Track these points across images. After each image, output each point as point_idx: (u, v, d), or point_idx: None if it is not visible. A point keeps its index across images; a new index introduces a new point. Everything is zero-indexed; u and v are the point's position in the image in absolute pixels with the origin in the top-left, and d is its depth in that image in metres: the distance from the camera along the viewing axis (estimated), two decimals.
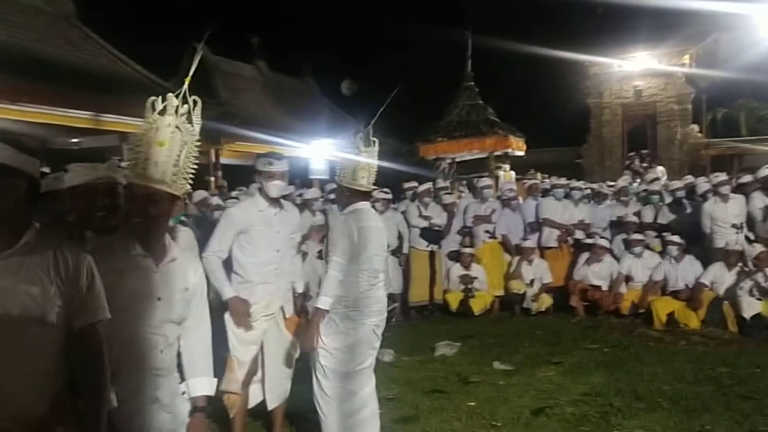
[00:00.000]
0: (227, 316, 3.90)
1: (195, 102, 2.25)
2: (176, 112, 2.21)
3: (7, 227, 1.87)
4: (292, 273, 4.14)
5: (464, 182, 13.24)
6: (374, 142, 3.64)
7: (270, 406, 4.05)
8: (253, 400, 4.07)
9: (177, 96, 2.21)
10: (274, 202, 3.92)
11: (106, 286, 2.10)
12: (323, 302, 3.57)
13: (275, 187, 3.85)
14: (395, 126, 21.96)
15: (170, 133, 2.19)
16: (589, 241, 8.40)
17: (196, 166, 2.31)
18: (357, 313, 3.56)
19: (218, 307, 3.97)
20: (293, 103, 19.81)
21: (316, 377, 3.64)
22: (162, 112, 2.19)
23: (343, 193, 3.71)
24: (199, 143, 2.31)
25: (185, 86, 2.22)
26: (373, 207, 8.21)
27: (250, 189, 8.46)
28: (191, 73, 2.29)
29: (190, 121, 2.26)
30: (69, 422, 1.94)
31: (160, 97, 2.21)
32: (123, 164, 2.29)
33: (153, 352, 2.27)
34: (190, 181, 2.31)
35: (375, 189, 3.71)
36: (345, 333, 3.55)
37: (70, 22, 12.93)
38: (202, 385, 2.45)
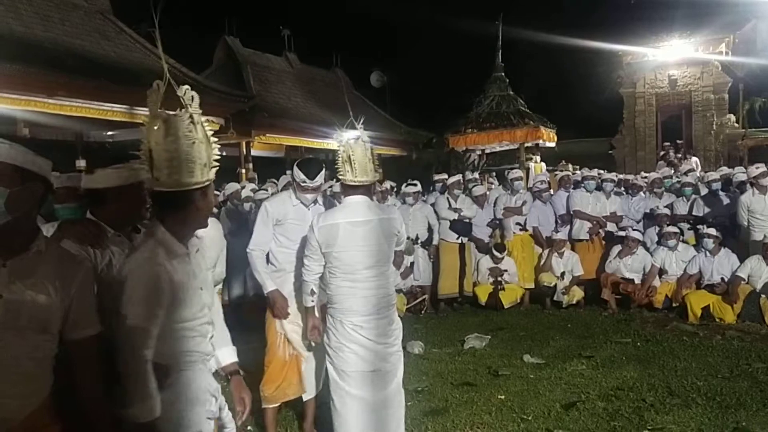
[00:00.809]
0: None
1: (192, 97, 2.15)
2: (192, 102, 2.13)
3: (20, 231, 1.88)
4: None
5: (494, 174, 13.19)
6: (359, 136, 3.53)
7: (304, 397, 4.11)
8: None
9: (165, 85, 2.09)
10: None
11: (161, 291, 2.12)
12: (305, 300, 3.71)
13: (306, 200, 3.97)
14: (425, 117, 22.01)
15: (200, 127, 2.13)
16: (621, 233, 8.29)
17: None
18: (335, 311, 3.53)
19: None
20: (323, 94, 19.89)
21: None
22: (180, 108, 2.10)
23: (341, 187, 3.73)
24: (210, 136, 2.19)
25: (166, 75, 2.09)
26: (403, 200, 8.38)
27: (281, 180, 8.54)
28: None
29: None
30: (55, 429, 1.97)
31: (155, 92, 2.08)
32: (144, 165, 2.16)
33: (205, 341, 2.32)
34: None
35: (366, 182, 3.54)
36: (330, 331, 3.55)
37: (105, 16, 13.16)
38: (230, 353, 2.61)
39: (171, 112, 2.08)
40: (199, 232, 2.48)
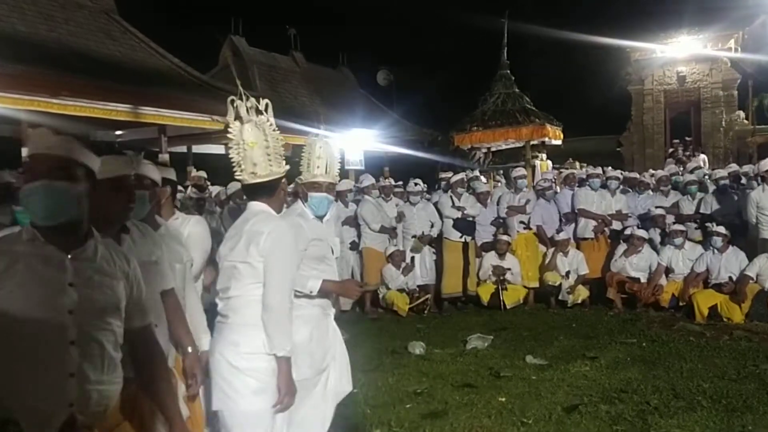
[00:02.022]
0: None
1: (267, 104, 2.75)
2: (248, 112, 2.67)
3: (83, 225, 1.94)
4: None
5: (501, 172, 13.08)
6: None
7: None
8: None
9: (241, 99, 2.69)
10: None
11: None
12: None
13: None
14: (431, 116, 21.92)
15: (254, 135, 2.65)
16: (627, 231, 8.19)
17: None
18: None
19: None
20: (329, 93, 19.82)
21: None
22: (239, 119, 2.65)
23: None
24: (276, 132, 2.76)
25: (240, 90, 2.72)
26: (408, 200, 8.37)
27: None
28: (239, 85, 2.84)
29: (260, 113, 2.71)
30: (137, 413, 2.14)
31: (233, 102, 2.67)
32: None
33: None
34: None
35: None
36: None
37: (110, 16, 13.12)
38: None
39: (255, 117, 2.67)
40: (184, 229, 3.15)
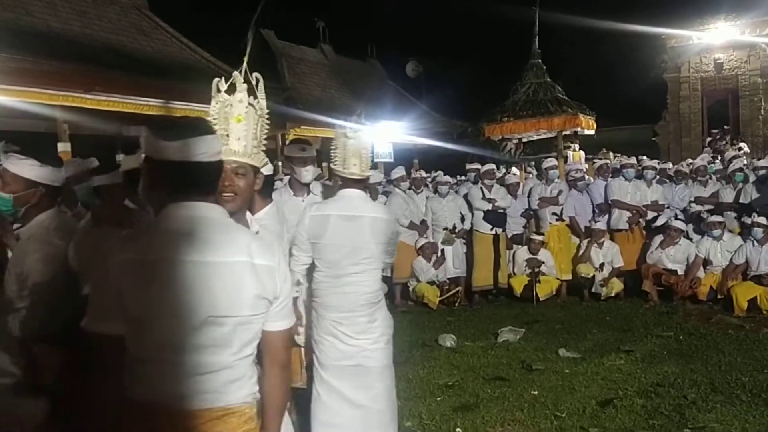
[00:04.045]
0: None
1: (257, 79, 2.29)
2: (246, 89, 2.26)
3: None
4: None
5: (533, 163, 12.93)
6: (362, 128, 3.45)
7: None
8: None
9: (240, 74, 2.27)
10: (302, 189, 4.01)
11: None
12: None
13: (307, 173, 3.94)
14: (461, 107, 21.76)
15: (244, 109, 2.24)
16: (659, 222, 8.00)
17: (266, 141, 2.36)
18: (316, 305, 3.44)
19: None
20: (358, 86, 19.80)
21: None
22: (231, 90, 2.23)
23: (336, 180, 3.58)
24: (268, 122, 2.35)
25: (244, 65, 2.28)
26: (436, 191, 8.29)
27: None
28: (248, 51, 2.42)
29: (255, 95, 2.30)
30: None
31: (223, 78, 2.27)
32: None
33: None
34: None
35: (369, 175, 3.48)
36: (313, 323, 3.45)
37: (142, 12, 13.28)
38: None
39: (231, 95, 2.24)
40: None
